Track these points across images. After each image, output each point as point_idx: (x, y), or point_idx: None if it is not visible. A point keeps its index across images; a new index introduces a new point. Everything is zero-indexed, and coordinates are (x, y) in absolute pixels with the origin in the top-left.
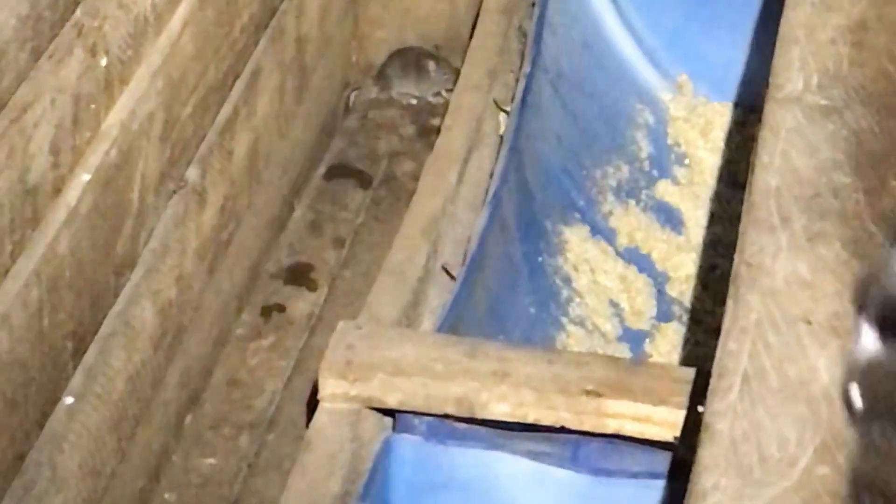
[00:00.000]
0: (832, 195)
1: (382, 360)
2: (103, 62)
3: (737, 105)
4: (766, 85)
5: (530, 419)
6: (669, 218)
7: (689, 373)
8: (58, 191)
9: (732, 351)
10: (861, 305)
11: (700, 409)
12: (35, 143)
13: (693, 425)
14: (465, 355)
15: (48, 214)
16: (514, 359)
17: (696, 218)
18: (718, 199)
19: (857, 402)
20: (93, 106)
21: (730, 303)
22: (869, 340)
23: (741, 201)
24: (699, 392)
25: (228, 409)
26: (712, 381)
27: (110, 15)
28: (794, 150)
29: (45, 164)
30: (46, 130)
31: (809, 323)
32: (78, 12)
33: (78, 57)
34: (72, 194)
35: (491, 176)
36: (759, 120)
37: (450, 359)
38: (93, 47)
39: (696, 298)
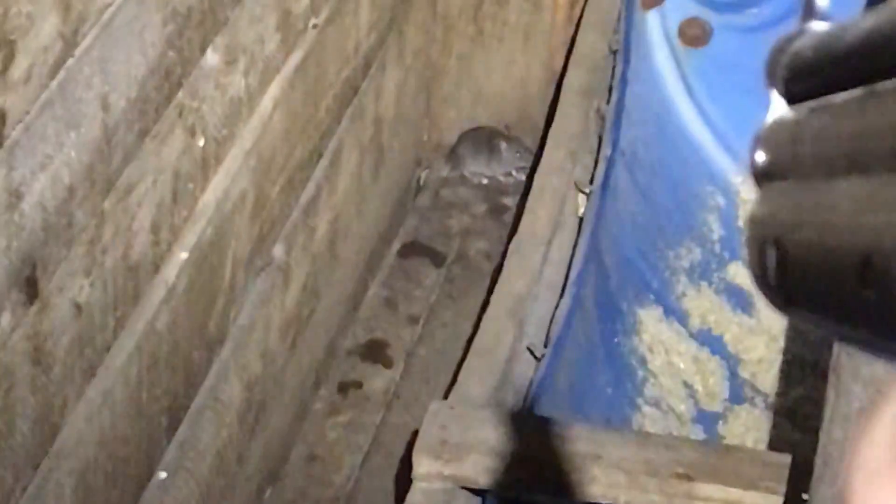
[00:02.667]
0: None
1: (475, 440)
2: (201, 142)
3: None
4: None
5: (622, 501)
6: (741, 300)
7: (779, 457)
8: (157, 268)
9: (837, 440)
10: (770, 75)
11: (805, 496)
12: (138, 221)
13: None
14: (557, 437)
15: (148, 292)
16: (605, 441)
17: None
18: None
19: (760, 160)
20: (190, 185)
21: (831, 391)
22: (777, 108)
23: None
24: (799, 479)
25: (307, 484)
26: (816, 468)
27: (208, 96)
28: None
29: (146, 242)
30: (148, 209)
31: None
32: (180, 94)
33: (178, 137)
34: (170, 272)
35: (571, 257)
36: None
37: (542, 440)
38: (192, 128)
39: (770, 381)
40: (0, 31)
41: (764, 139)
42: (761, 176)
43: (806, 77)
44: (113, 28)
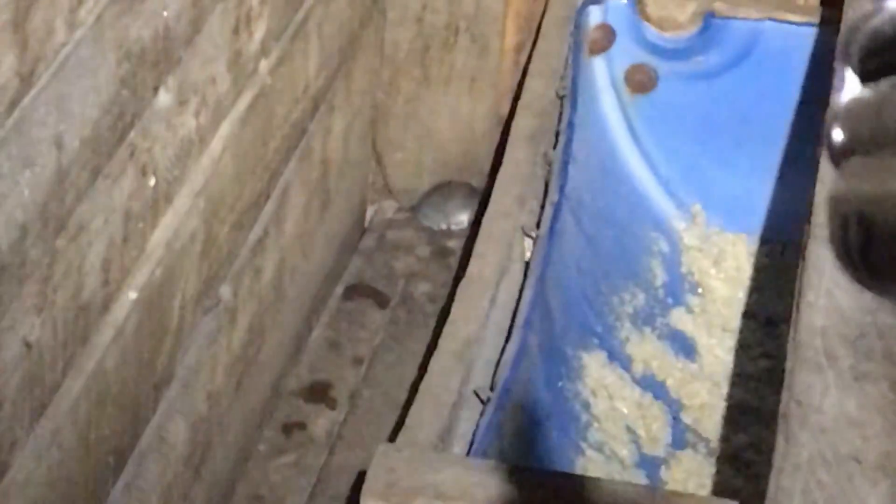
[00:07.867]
0: (877, 336)
1: (424, 483)
2: (152, 182)
3: (756, 237)
4: (808, 222)
5: None
6: (683, 346)
7: None
8: (106, 308)
9: (786, 488)
10: (845, 53)
11: None
12: (89, 261)
13: None
14: (505, 481)
15: (97, 331)
16: (553, 486)
17: (710, 346)
18: (732, 328)
19: (838, 138)
20: (140, 225)
21: (780, 439)
22: (851, 87)
23: (753, 331)
24: None
25: None
26: None
27: (160, 136)
28: (838, 289)
29: (96, 282)
30: (99, 249)
31: (859, 462)
32: (132, 133)
33: (130, 176)
34: (119, 312)
35: (517, 301)
36: (780, 253)
37: (490, 484)
38: (143, 167)
39: (712, 427)
40: None
41: (843, 117)
42: (840, 154)
43: (885, 53)
44: (68, 67)
